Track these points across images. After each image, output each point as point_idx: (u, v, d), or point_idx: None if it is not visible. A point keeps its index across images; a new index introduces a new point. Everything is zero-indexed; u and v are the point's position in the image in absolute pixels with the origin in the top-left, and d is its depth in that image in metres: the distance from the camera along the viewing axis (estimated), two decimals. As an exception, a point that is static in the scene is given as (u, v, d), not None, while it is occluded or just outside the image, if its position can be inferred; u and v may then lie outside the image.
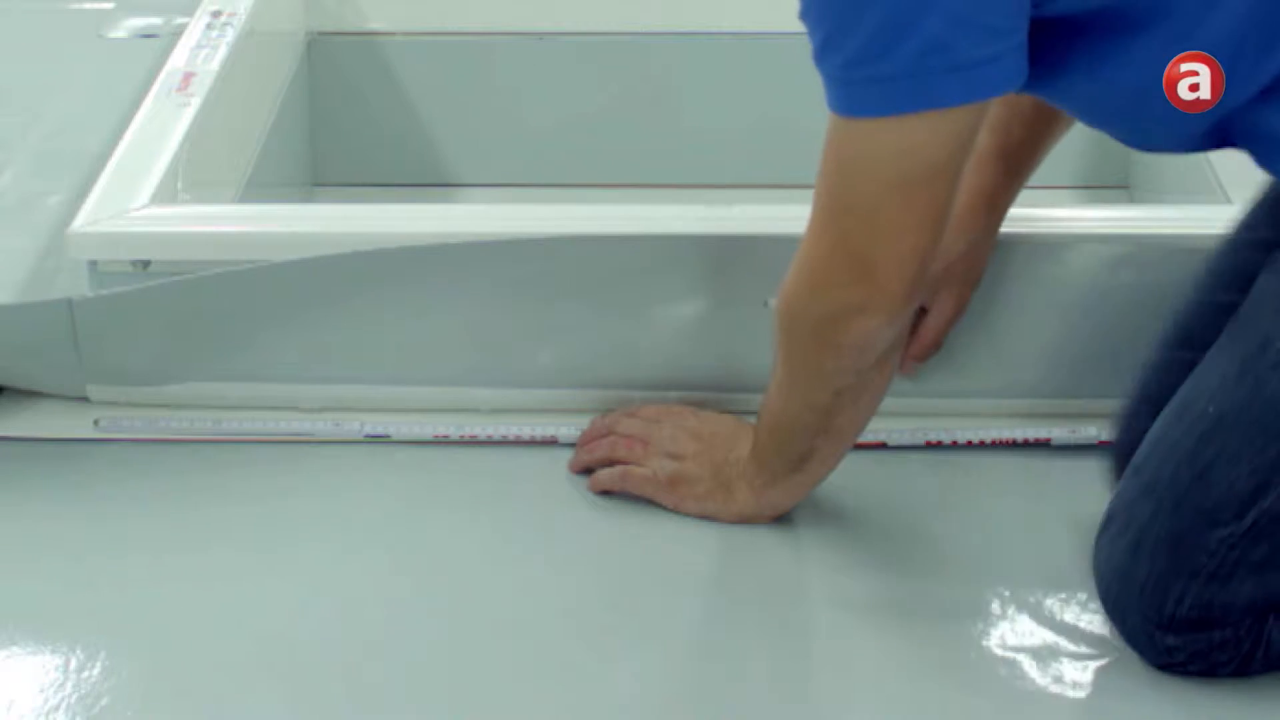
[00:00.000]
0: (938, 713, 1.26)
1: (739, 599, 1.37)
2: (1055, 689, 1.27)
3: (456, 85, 2.25)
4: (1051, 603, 1.35)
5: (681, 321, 1.52)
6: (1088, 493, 1.42)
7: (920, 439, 1.52)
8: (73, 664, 1.29)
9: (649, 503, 1.44)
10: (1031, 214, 1.50)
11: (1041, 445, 1.52)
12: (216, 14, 1.94)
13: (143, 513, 1.45)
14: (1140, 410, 1.34)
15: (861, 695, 1.28)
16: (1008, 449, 1.52)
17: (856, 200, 1.22)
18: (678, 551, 1.40)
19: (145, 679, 1.28)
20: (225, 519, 1.44)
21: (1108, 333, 1.52)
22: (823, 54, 1.18)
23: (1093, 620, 1.32)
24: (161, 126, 1.70)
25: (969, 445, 1.52)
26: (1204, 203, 1.82)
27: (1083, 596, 1.34)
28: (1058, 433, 1.52)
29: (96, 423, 1.54)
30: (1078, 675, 1.28)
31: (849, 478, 1.42)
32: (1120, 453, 1.35)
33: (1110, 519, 1.28)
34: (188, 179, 1.66)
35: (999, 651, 1.30)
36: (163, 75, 1.81)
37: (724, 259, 1.50)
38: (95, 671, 1.28)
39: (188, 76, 1.80)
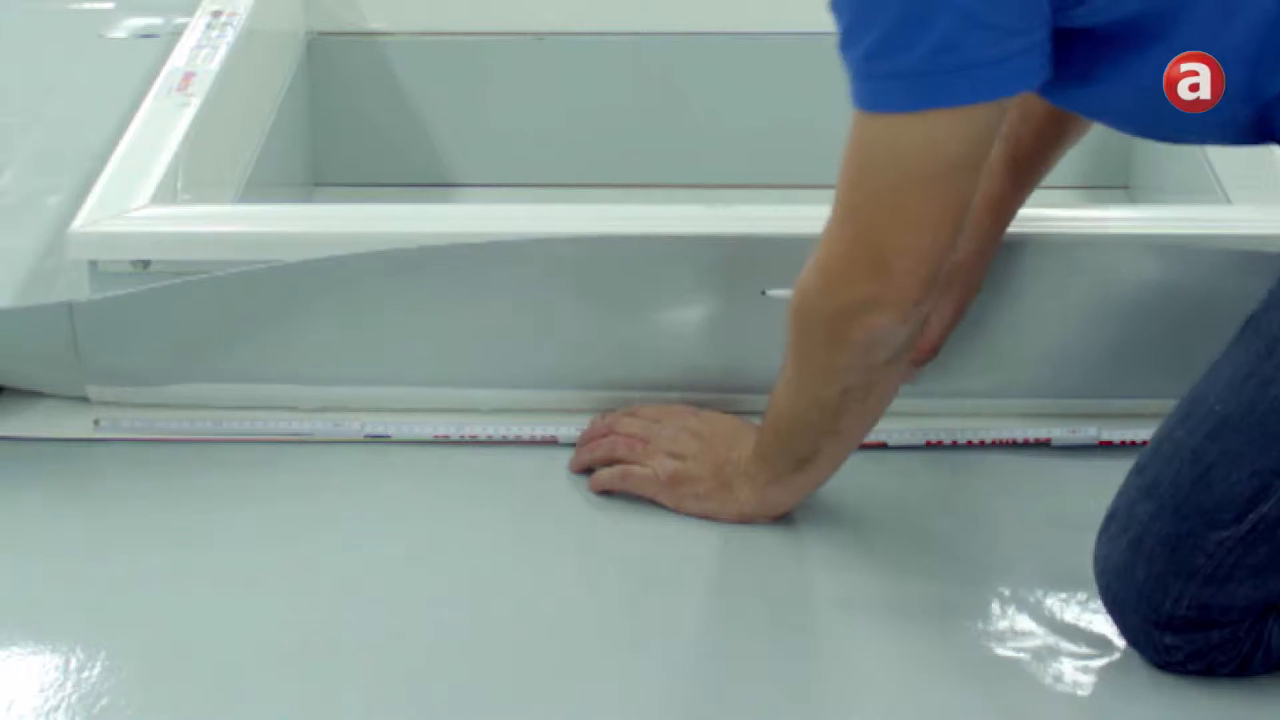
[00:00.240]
0: (937, 712, 1.26)
1: (739, 599, 1.37)
2: (1055, 689, 1.27)
3: (456, 85, 2.25)
4: (1051, 602, 1.35)
5: (681, 321, 1.52)
6: (1087, 493, 1.42)
7: (920, 439, 1.52)
8: (73, 664, 1.29)
9: (649, 503, 1.44)
10: (1032, 214, 1.50)
11: (1041, 445, 1.52)
12: (216, 14, 1.94)
13: (143, 513, 1.45)
14: None
15: (861, 695, 1.28)
16: (1008, 449, 1.52)
17: (874, 195, 1.22)
18: (678, 551, 1.40)
19: (145, 679, 1.28)
20: (225, 519, 1.44)
21: (1108, 333, 1.52)
22: (845, 45, 1.19)
23: (1093, 620, 1.32)
24: (161, 126, 1.70)
25: (969, 445, 1.52)
26: (1204, 203, 1.82)
27: (1083, 596, 1.34)
28: (1058, 433, 1.52)
29: (96, 423, 1.54)
30: (1078, 675, 1.28)
31: (849, 478, 1.42)
32: None
33: (1112, 517, 1.28)
34: (188, 179, 1.66)
35: (999, 651, 1.30)
36: (163, 75, 1.81)
37: (724, 259, 1.50)
38: (95, 671, 1.28)
39: (188, 76, 1.80)
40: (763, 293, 1.48)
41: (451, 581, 1.37)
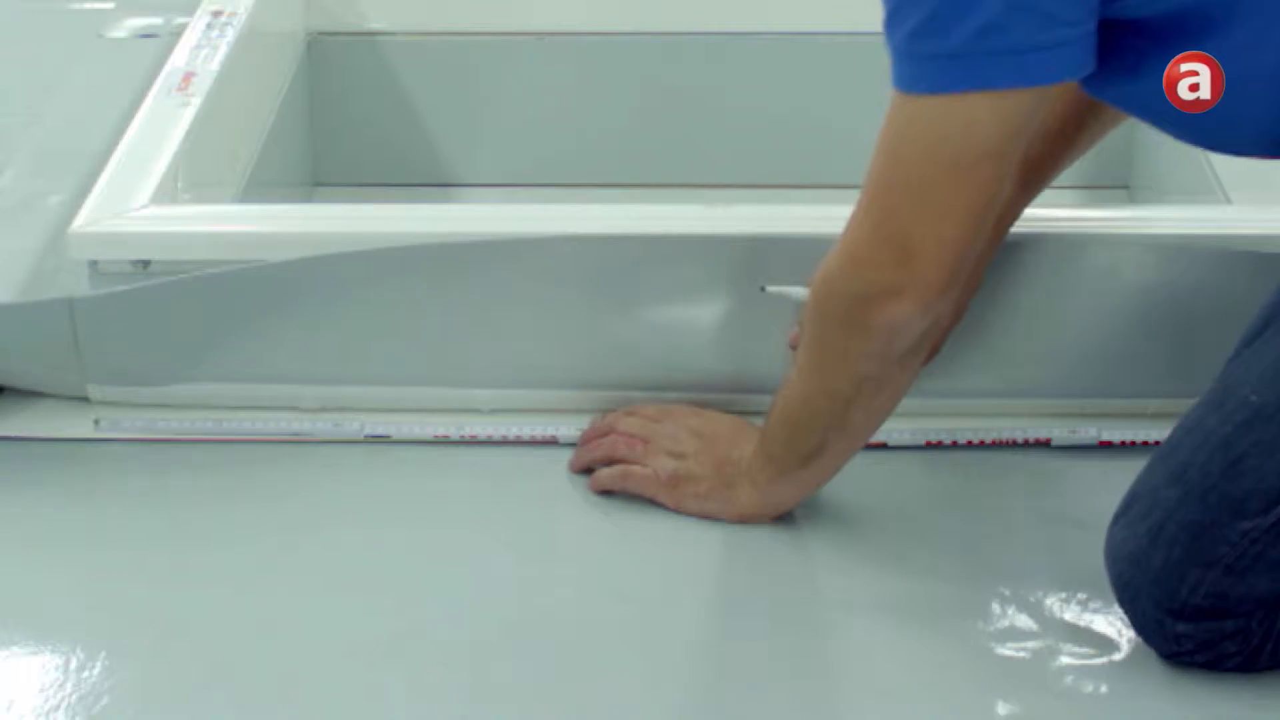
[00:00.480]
0: (937, 712, 1.26)
1: (739, 598, 1.37)
2: (1056, 689, 1.27)
3: (456, 85, 2.25)
4: (1052, 602, 1.35)
5: (682, 321, 1.52)
6: (1087, 493, 1.43)
7: (920, 439, 1.52)
8: (73, 664, 1.29)
9: (649, 502, 1.44)
10: (1032, 214, 1.50)
11: (1041, 445, 1.52)
12: (216, 14, 1.94)
13: (143, 513, 1.46)
14: None
15: (861, 694, 1.28)
16: (1008, 449, 1.52)
17: (906, 178, 1.22)
18: (678, 551, 1.40)
19: (145, 679, 1.28)
20: (225, 519, 1.44)
21: (1108, 333, 1.52)
22: (891, 24, 1.19)
23: (1094, 620, 1.32)
24: (161, 126, 1.70)
25: (969, 445, 1.52)
26: (1204, 203, 1.82)
27: (1084, 596, 1.34)
28: (1058, 433, 1.52)
29: (96, 423, 1.54)
30: (1079, 675, 1.28)
31: (850, 478, 1.42)
32: None
33: (1131, 503, 1.27)
34: (188, 179, 1.66)
35: (999, 651, 1.30)
36: (163, 75, 1.81)
37: (724, 259, 1.50)
38: (95, 671, 1.28)
39: (188, 76, 1.80)
40: (761, 288, 1.48)
41: (451, 581, 1.37)
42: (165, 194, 1.60)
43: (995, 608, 1.35)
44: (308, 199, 2.22)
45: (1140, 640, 1.29)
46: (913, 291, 1.24)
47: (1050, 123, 1.43)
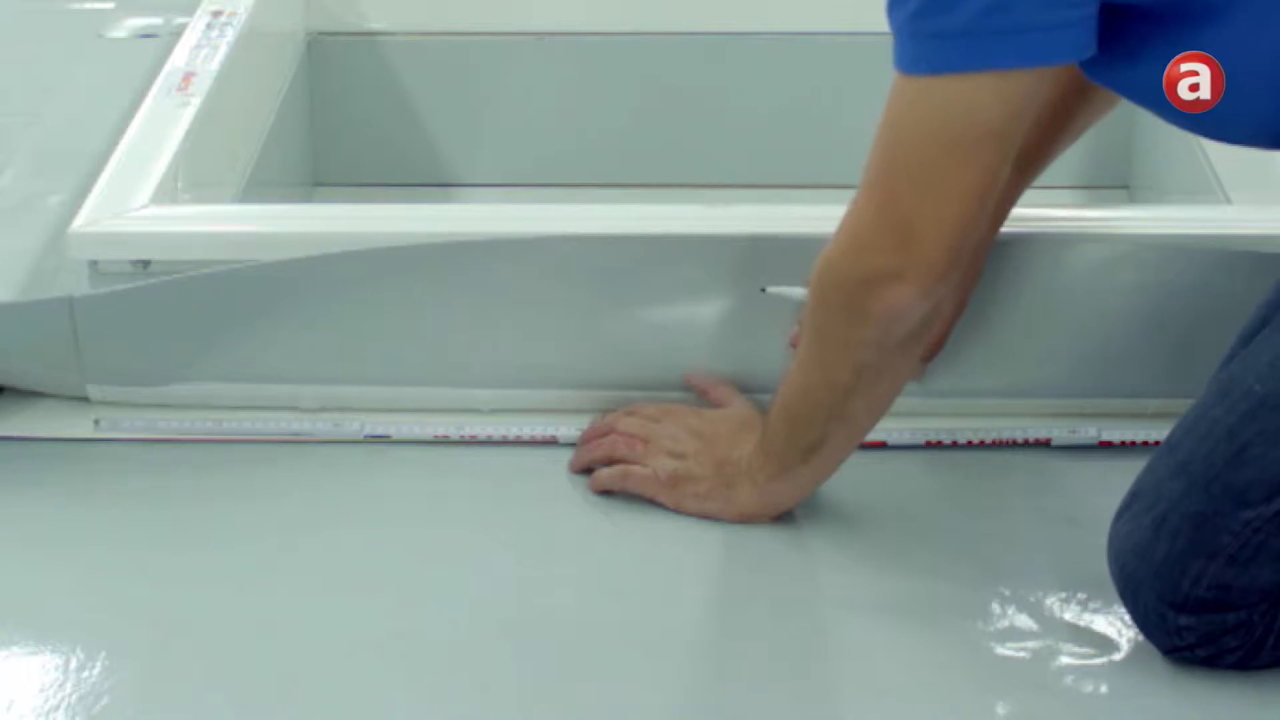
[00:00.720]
0: (937, 712, 1.26)
1: (740, 598, 1.37)
2: (1056, 688, 1.27)
3: (456, 85, 2.25)
4: (1052, 602, 1.35)
5: (682, 321, 1.52)
6: (1087, 493, 1.43)
7: (920, 439, 1.52)
8: (73, 664, 1.29)
9: (649, 502, 1.44)
10: (1031, 214, 1.50)
11: (1041, 445, 1.52)
12: (216, 14, 1.94)
13: (143, 513, 1.45)
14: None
15: (862, 694, 1.28)
16: (1007, 449, 1.52)
17: (908, 160, 1.22)
18: (678, 551, 1.40)
19: (145, 679, 1.28)
20: (225, 519, 1.44)
21: (1108, 333, 1.52)
22: (894, 5, 1.19)
23: (1094, 620, 1.32)
24: (161, 126, 1.70)
25: (969, 445, 1.52)
26: (1204, 203, 1.82)
27: (1083, 596, 1.34)
28: (1058, 433, 1.52)
29: (96, 423, 1.54)
30: (1079, 675, 1.28)
31: (849, 477, 1.42)
32: None
33: (1135, 496, 1.27)
34: (188, 179, 1.66)
35: (999, 651, 1.30)
36: (163, 75, 1.81)
37: (724, 259, 1.50)
38: (95, 671, 1.28)
39: (188, 76, 1.80)
40: (762, 289, 1.48)
41: (451, 581, 1.37)
42: (165, 194, 1.60)
43: (995, 608, 1.35)
44: (308, 199, 2.22)
45: (1141, 640, 1.29)
46: (913, 275, 1.24)
47: (1042, 109, 1.43)
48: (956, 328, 1.50)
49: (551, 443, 1.52)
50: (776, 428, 1.38)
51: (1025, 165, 1.46)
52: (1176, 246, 1.50)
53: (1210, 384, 1.26)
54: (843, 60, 2.14)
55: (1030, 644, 1.31)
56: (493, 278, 1.50)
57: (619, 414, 1.50)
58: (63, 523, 1.44)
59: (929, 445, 1.52)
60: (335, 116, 2.25)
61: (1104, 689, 1.27)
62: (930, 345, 1.49)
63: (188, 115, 1.72)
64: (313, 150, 2.25)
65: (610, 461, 1.46)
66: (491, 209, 1.70)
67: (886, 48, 1.22)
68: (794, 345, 1.41)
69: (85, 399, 1.55)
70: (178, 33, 1.95)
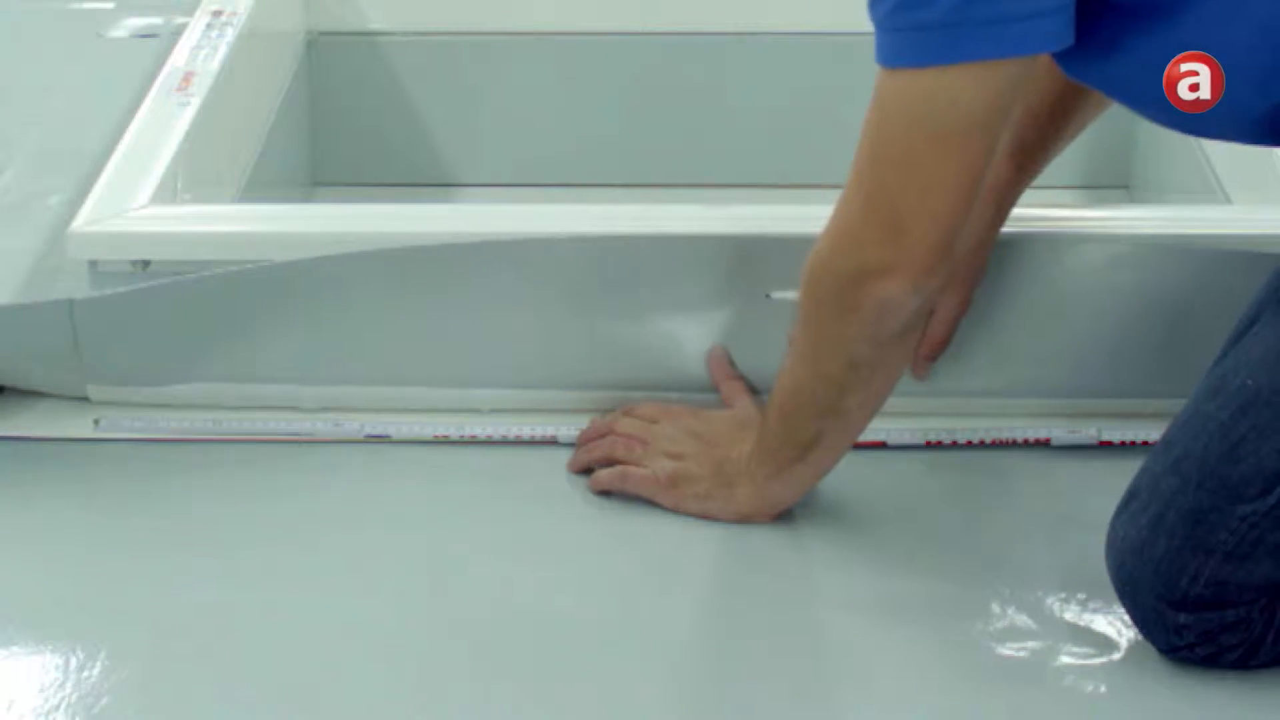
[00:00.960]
0: (937, 712, 1.26)
1: (739, 598, 1.37)
2: (1055, 688, 1.27)
3: (456, 85, 2.25)
4: (1052, 602, 1.35)
5: (681, 321, 1.52)
6: (1087, 493, 1.42)
7: (920, 439, 1.52)
8: (73, 664, 1.29)
9: (649, 503, 1.44)
10: (1031, 214, 1.50)
11: (1041, 445, 1.52)
12: (216, 14, 1.94)
13: (143, 513, 1.45)
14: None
15: (862, 694, 1.28)
16: (1008, 449, 1.52)
17: (893, 153, 1.22)
18: (678, 551, 1.40)
19: (145, 679, 1.28)
20: (225, 519, 1.44)
21: (1108, 333, 1.52)
22: (874, 0, 1.19)
23: (1093, 619, 1.32)
24: (161, 126, 1.70)
25: (969, 445, 1.52)
26: (1204, 203, 1.82)
27: (1083, 596, 1.34)
28: (1058, 433, 1.52)
29: (96, 423, 1.54)
30: (1078, 675, 1.28)
31: (849, 477, 1.42)
32: None
33: (1132, 495, 1.27)
34: (188, 179, 1.66)
35: (999, 651, 1.30)
36: (163, 75, 1.81)
37: (724, 259, 1.50)
38: (95, 671, 1.28)
39: (188, 76, 1.80)
40: (767, 295, 1.48)
41: (451, 581, 1.37)
42: (165, 194, 1.60)
43: (995, 608, 1.35)
44: (308, 199, 2.23)
45: (1140, 640, 1.29)
46: (903, 268, 1.24)
47: (1039, 106, 1.44)
48: (958, 327, 1.50)
49: (551, 443, 1.52)
50: (773, 426, 1.38)
51: (1025, 163, 1.46)
52: (1176, 246, 1.50)
53: (1203, 381, 1.26)
54: (842, 60, 2.14)
55: (1030, 644, 1.31)
56: (492, 278, 1.50)
57: (618, 414, 1.50)
58: (62, 523, 1.44)
59: (929, 445, 1.52)
60: (335, 116, 2.25)
61: (1104, 689, 1.27)
62: (935, 344, 1.49)
63: (188, 115, 1.72)
64: (313, 150, 2.25)
65: (609, 462, 1.46)
66: (491, 209, 1.70)
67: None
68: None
69: (85, 399, 1.55)
70: (178, 33, 1.95)
